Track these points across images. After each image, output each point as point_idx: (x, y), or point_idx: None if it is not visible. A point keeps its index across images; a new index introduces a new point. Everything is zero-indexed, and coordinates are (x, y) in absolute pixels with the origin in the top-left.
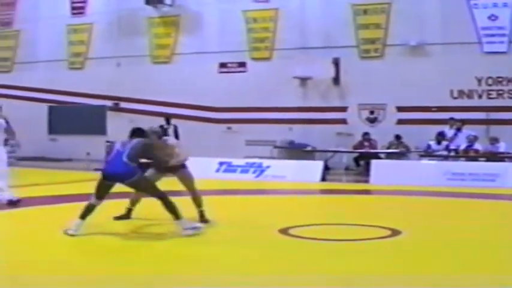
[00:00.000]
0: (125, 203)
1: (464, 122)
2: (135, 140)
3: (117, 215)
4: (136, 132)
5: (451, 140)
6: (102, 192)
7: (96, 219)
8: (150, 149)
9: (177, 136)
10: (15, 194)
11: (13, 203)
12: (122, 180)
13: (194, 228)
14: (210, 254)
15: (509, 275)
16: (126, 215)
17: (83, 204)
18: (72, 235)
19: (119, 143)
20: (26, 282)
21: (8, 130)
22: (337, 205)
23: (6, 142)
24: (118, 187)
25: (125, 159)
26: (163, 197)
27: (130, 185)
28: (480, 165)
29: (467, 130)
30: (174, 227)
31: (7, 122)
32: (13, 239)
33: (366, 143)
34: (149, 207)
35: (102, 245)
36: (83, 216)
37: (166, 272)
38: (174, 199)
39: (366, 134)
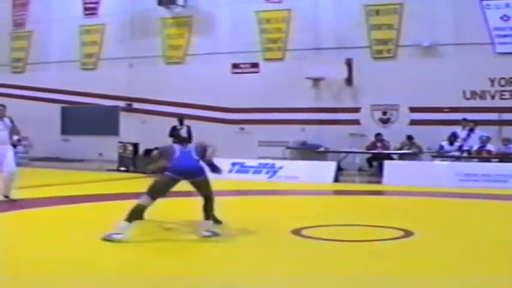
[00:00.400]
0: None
1: (477, 122)
2: (194, 144)
3: None
4: (187, 139)
5: (464, 140)
6: (163, 191)
7: (108, 220)
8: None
9: (190, 136)
10: (15, 196)
11: (8, 200)
12: (196, 175)
13: (214, 233)
14: (222, 255)
15: None
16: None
17: (99, 204)
18: (119, 240)
19: (177, 146)
20: (38, 282)
21: (13, 129)
22: (350, 206)
23: (19, 142)
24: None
25: (196, 157)
26: (212, 198)
27: (198, 182)
28: (493, 166)
29: (480, 131)
30: (186, 227)
31: (11, 121)
32: (28, 239)
33: (379, 144)
34: (159, 208)
35: (115, 245)
36: (130, 218)
37: (178, 272)
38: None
39: (378, 134)
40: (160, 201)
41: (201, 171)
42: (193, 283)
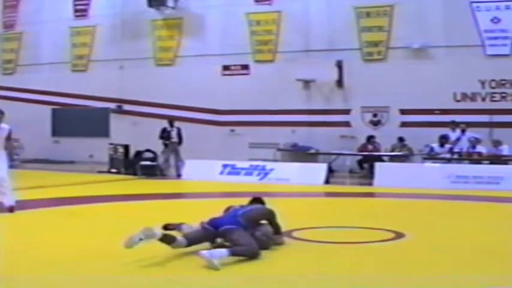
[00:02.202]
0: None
1: (468, 124)
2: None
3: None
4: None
5: (455, 143)
6: None
7: (98, 222)
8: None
9: (180, 138)
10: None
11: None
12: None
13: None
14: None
15: None
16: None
17: (90, 206)
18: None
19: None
20: (28, 283)
21: (6, 142)
22: (340, 208)
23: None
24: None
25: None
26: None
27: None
28: (484, 168)
29: (470, 132)
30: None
31: (9, 133)
32: (18, 241)
33: (370, 146)
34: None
35: (105, 247)
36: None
37: (168, 273)
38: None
39: (371, 137)
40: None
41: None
42: (181, 283)
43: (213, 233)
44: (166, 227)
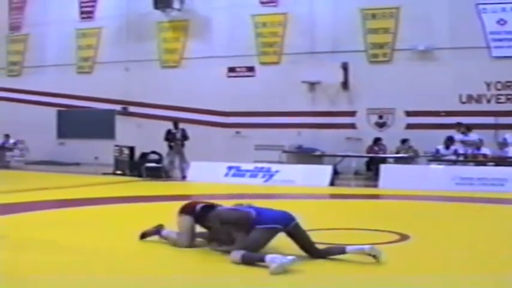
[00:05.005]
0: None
1: (470, 127)
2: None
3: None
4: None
5: (463, 142)
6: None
7: (103, 224)
8: None
9: (185, 139)
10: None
11: None
12: None
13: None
14: (217, 259)
15: None
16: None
17: (95, 208)
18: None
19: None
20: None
21: None
22: (345, 210)
23: (15, 146)
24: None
25: None
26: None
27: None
28: (489, 170)
29: (475, 134)
30: None
31: None
32: (23, 242)
33: (376, 148)
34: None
35: (111, 248)
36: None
37: (165, 273)
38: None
39: (378, 139)
40: None
41: None
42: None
43: (282, 230)
44: (143, 236)
